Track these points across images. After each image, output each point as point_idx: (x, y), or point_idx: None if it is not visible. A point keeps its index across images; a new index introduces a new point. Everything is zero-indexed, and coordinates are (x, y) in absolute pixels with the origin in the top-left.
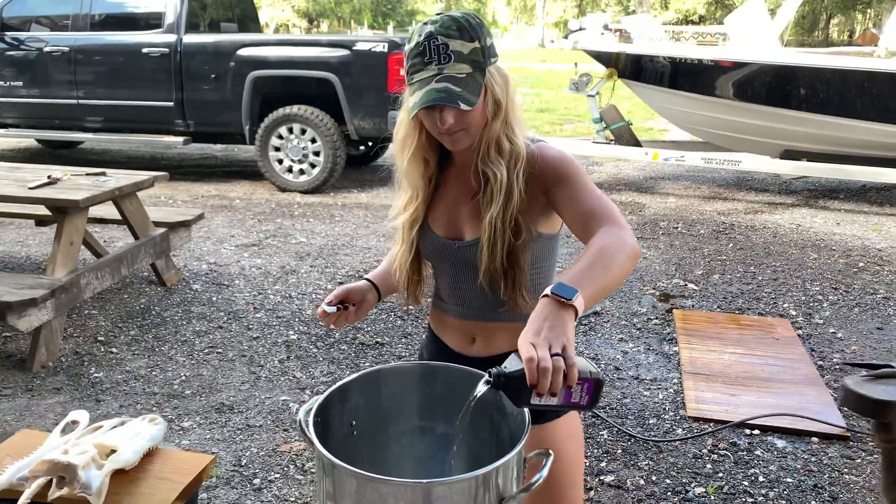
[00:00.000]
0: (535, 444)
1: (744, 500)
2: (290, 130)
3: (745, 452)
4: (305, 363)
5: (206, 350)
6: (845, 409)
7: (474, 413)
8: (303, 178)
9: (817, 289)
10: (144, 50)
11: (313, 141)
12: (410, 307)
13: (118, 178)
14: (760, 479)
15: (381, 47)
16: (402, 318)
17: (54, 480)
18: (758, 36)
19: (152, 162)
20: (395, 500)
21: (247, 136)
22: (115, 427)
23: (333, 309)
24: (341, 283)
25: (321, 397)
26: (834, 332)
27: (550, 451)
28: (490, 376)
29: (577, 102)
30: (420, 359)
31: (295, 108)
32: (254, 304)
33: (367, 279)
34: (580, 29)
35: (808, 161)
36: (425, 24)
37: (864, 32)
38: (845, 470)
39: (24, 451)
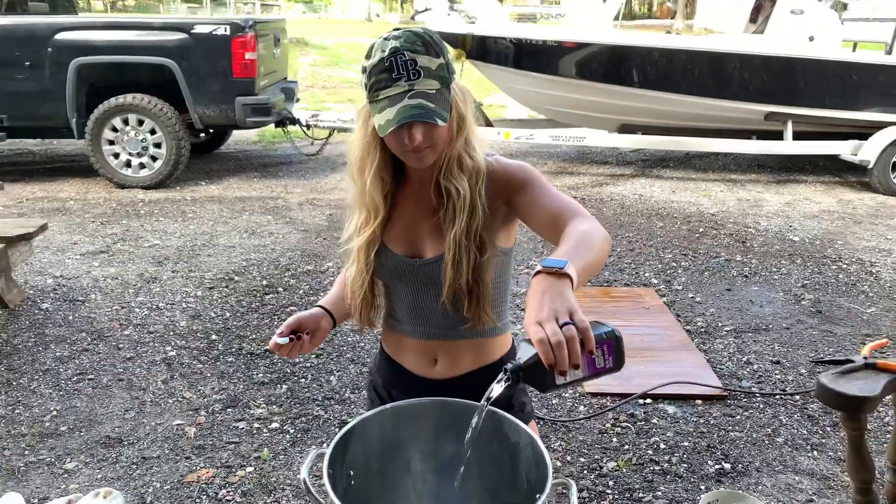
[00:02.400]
0: None
1: (652, 468)
2: (126, 122)
3: (643, 422)
4: (192, 381)
5: (75, 378)
6: (719, 369)
7: (487, 446)
8: (144, 172)
9: (670, 256)
10: None
11: (153, 132)
12: (365, 330)
13: None
14: (662, 446)
15: (224, 30)
16: None
17: None
18: (594, 16)
19: None
20: None
21: (74, 130)
22: None
23: (286, 340)
24: (211, 289)
25: (327, 451)
26: (692, 297)
27: (572, 482)
28: (506, 373)
29: None
30: (371, 384)
31: (129, 98)
32: (118, 319)
33: (320, 306)
34: (426, 10)
35: (643, 134)
36: (386, 39)
37: (661, 6)
38: (729, 427)
39: None
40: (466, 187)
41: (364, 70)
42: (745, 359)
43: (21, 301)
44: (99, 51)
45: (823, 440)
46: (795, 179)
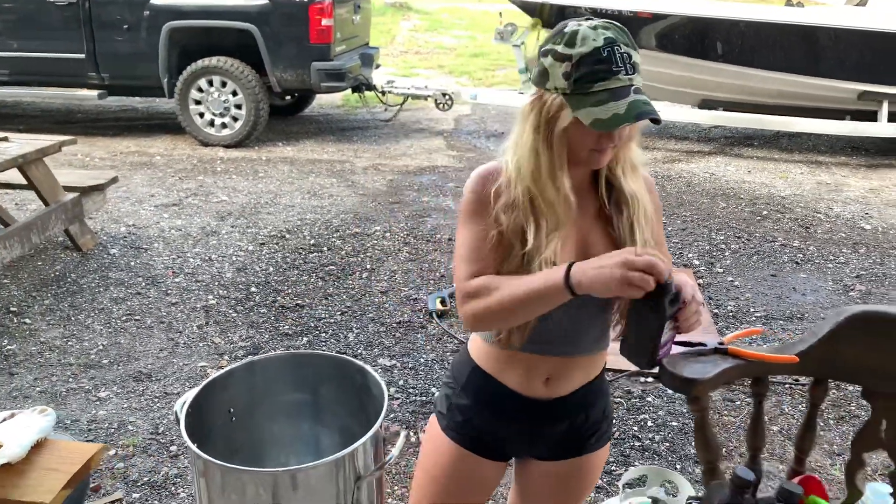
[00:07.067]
0: (576, 473)
1: (632, 444)
2: (211, 83)
3: (637, 399)
4: (224, 328)
5: (124, 317)
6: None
7: (343, 391)
8: (225, 131)
9: (721, 238)
10: None
11: (235, 94)
12: (512, 346)
13: (21, 144)
14: (649, 423)
15: None
16: (322, 279)
17: None
18: None
19: (68, 115)
20: (255, 487)
21: (165, 90)
22: (4, 420)
23: None
24: (262, 245)
25: (197, 389)
26: (731, 281)
27: (403, 431)
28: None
29: (510, 48)
30: (455, 405)
31: (214, 60)
32: (173, 268)
33: None
34: None
35: (724, 110)
36: (593, 28)
37: None
38: (725, 412)
39: None
40: (644, 191)
41: (565, 58)
42: (766, 346)
43: (94, 246)
44: (189, 15)
45: (822, 433)
46: (889, 164)
